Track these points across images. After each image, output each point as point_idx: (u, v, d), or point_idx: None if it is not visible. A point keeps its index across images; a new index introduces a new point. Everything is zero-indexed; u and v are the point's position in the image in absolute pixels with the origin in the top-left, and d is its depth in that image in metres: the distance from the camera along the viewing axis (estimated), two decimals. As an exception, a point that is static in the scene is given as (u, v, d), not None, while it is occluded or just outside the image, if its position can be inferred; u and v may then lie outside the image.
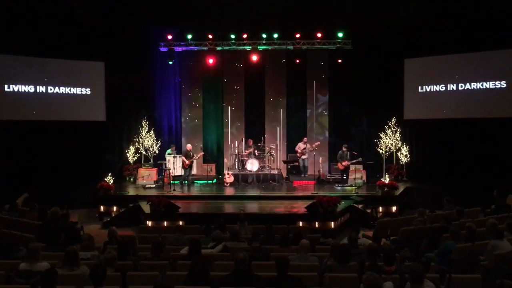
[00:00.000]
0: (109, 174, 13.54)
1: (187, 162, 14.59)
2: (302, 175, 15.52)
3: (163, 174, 14.78)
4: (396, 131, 15.23)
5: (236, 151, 16.05)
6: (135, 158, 15.65)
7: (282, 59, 16.60)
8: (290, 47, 15.64)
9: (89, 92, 15.29)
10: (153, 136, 15.85)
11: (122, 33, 14.82)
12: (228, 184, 14.69)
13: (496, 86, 13.86)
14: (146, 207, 11.39)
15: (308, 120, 16.79)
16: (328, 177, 15.55)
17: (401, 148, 15.29)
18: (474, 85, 14.25)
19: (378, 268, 5.36)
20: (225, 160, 16.40)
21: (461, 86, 14.48)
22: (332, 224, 10.76)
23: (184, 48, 15.89)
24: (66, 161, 14.27)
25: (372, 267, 5.41)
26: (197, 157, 15.14)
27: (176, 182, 14.35)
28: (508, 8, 12.87)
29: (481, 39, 13.46)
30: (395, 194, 12.80)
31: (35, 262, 5.57)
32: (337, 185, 14.57)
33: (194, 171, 15.80)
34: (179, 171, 14.89)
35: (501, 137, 13.55)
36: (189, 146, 15.11)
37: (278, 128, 16.57)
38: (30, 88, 14.37)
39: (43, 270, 5.06)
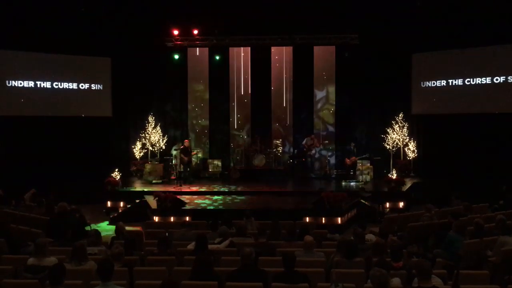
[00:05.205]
0: (116, 170, 13.57)
1: (185, 158, 14.26)
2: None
3: (170, 170, 14.76)
4: (403, 127, 15.12)
5: (242, 146, 16.02)
6: (142, 153, 15.68)
7: (289, 54, 16.50)
8: (297, 42, 15.56)
9: (95, 88, 15.38)
10: (159, 131, 15.85)
11: (128, 28, 14.82)
12: (235, 180, 14.67)
13: (505, 81, 13.73)
14: (153, 203, 11.43)
15: (314, 115, 16.68)
16: (335, 173, 15.50)
17: (409, 143, 15.20)
18: (482, 79, 14.12)
19: (385, 264, 5.34)
20: (231, 155, 16.39)
21: (469, 81, 14.36)
22: (339, 220, 10.74)
23: (190, 44, 15.86)
24: (72, 157, 14.30)
25: (379, 263, 5.38)
26: (193, 153, 15.07)
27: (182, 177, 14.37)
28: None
29: (490, 34, 13.33)
30: (402, 189, 12.73)
31: (43, 257, 5.61)
32: (344, 180, 14.53)
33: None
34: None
35: (509, 132, 13.41)
36: (186, 142, 14.74)
37: (284, 123, 16.54)
38: (36, 84, 14.42)
39: (51, 265, 5.08)
